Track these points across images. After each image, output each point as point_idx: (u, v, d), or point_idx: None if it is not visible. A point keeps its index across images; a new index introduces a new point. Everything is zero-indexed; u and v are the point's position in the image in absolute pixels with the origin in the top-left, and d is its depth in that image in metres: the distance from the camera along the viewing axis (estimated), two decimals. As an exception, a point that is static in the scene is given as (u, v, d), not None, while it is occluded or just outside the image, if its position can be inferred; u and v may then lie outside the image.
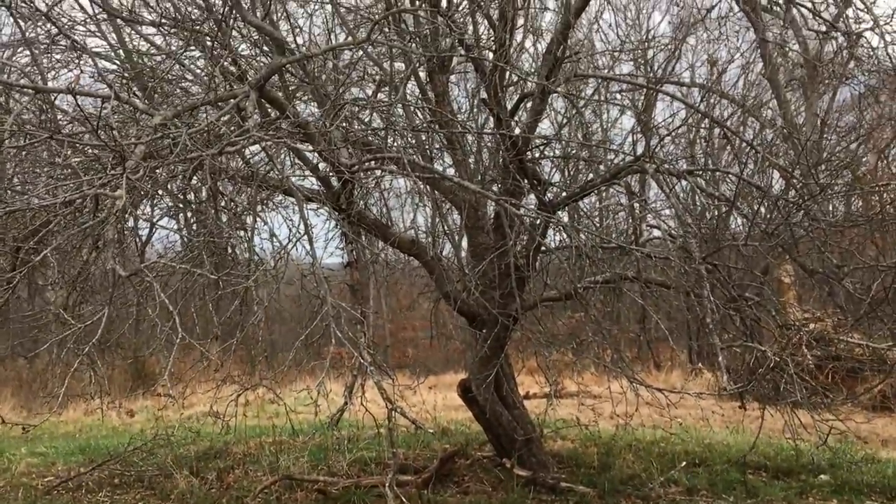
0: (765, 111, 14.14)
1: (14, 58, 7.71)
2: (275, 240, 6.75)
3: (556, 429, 9.86)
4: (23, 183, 6.60)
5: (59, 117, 6.53)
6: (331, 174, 6.51)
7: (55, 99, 5.98)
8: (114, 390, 14.23)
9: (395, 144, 7.36)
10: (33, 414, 13.65)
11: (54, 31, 6.29)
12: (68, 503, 7.59)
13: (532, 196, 7.61)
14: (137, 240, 10.30)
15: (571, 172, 9.72)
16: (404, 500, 6.13)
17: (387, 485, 6.06)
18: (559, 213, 7.71)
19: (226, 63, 6.27)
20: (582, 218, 8.97)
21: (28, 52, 6.72)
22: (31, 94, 5.60)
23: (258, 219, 7.11)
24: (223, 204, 7.01)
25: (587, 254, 6.55)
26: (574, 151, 8.28)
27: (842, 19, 7.85)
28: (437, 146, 7.93)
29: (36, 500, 7.75)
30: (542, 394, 11.64)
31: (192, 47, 6.87)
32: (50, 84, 6.64)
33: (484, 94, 7.24)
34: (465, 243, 8.30)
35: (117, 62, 7.13)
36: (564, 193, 7.76)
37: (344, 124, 6.31)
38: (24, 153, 6.21)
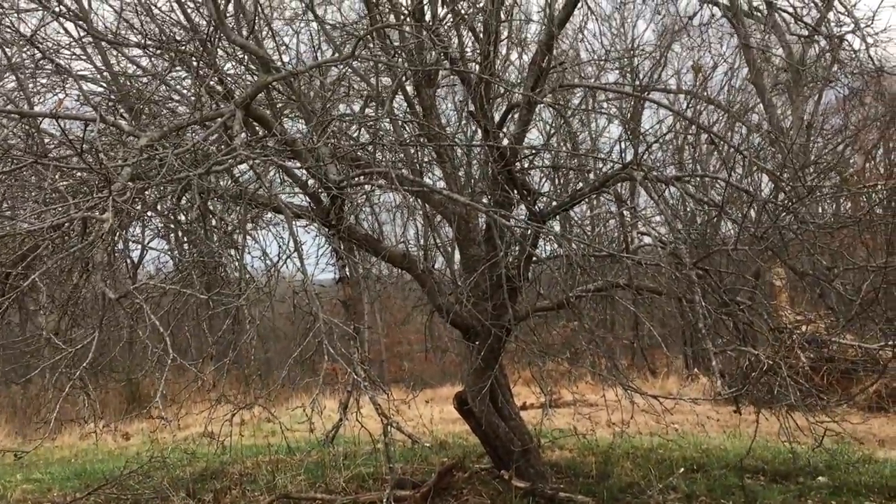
0: (752, 116, 14.22)
1: (0, 84, 7.69)
2: (266, 257, 6.75)
3: (553, 439, 9.84)
4: (11, 208, 6.58)
5: (46, 141, 6.52)
6: (320, 190, 6.51)
7: (40, 123, 5.97)
8: (109, 413, 14.20)
9: (384, 159, 7.37)
10: (28, 440, 13.56)
11: (39, 55, 6.30)
12: (64, 529, 7.53)
13: (522, 206, 7.62)
14: (129, 262, 10.29)
15: (561, 182, 9.73)
16: (402, 515, 6.10)
17: (385, 500, 6.04)
18: (550, 222, 7.72)
19: (212, 82, 6.28)
20: (573, 227, 8.98)
21: (13, 78, 6.72)
22: (16, 118, 5.60)
23: (248, 237, 7.10)
24: (213, 223, 7.01)
25: (578, 263, 6.55)
26: (563, 161, 8.30)
27: (824, 23, 7.91)
28: (427, 159, 7.95)
29: (32, 526, 7.69)
30: (539, 404, 11.63)
31: (178, 68, 6.88)
32: (37, 108, 6.64)
33: (472, 107, 7.26)
34: (457, 256, 8.30)
35: (103, 85, 7.12)
36: (554, 203, 7.77)
37: (332, 140, 6.32)
38: (13, 178, 6.20)
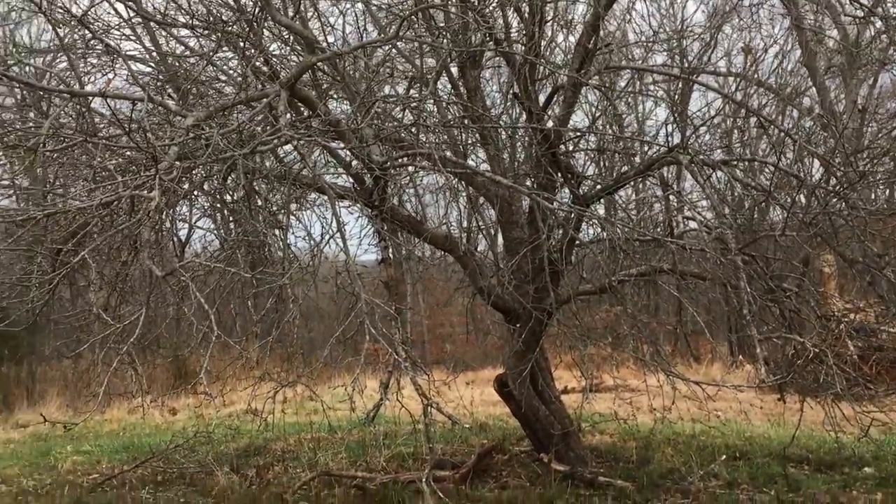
0: (803, 99, 13.88)
1: (53, 63, 7.85)
2: (309, 238, 6.82)
3: (593, 423, 9.81)
4: (63, 186, 6.74)
5: (96, 121, 6.65)
6: (363, 171, 6.53)
7: (91, 102, 6.09)
8: (156, 389, 14.49)
9: (428, 140, 7.37)
10: (78, 413, 13.91)
11: (89, 35, 6.40)
12: (112, 500, 7.74)
13: (566, 189, 7.58)
14: (176, 240, 10.46)
15: (606, 165, 9.64)
16: (441, 495, 6.12)
17: (424, 480, 6.07)
18: (594, 206, 7.65)
19: (258, 63, 6.33)
20: (617, 211, 8.91)
21: (65, 58, 6.85)
22: (67, 98, 5.71)
23: (292, 217, 7.18)
24: (258, 203, 7.09)
25: (622, 247, 6.50)
26: (608, 144, 8.22)
27: (880, 4, 7.68)
28: (470, 141, 7.93)
29: (81, 497, 7.91)
30: (580, 388, 11.59)
31: (225, 48, 6.95)
32: (87, 88, 6.77)
33: (517, 89, 7.21)
34: (499, 238, 8.29)
35: (152, 65, 7.23)
36: (598, 186, 7.71)
37: (375, 121, 6.33)
38: (64, 157, 6.33)
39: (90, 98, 5.89)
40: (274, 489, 7.77)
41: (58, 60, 7.64)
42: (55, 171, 7.39)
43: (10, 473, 9.40)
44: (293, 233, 7.18)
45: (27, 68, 7.10)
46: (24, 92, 6.64)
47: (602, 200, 8.14)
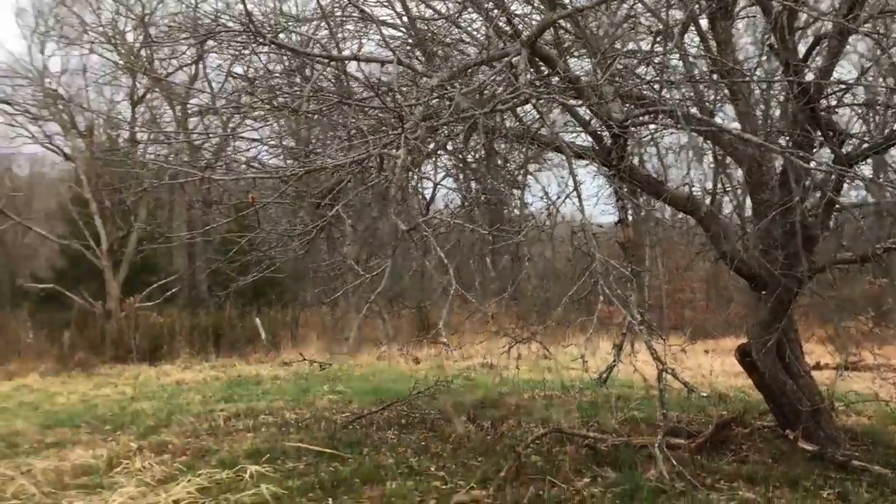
0: None
1: (315, 32, 8.43)
2: (546, 197, 6.85)
3: (848, 402, 9.07)
4: (322, 145, 7.28)
5: (352, 84, 7.08)
6: (602, 130, 6.42)
7: (346, 66, 6.48)
8: (401, 338, 15.42)
9: (671, 97, 7.07)
10: (333, 355, 15.15)
11: (346, 2, 6.80)
12: (361, 438, 8.36)
13: (825, 149, 6.98)
14: (421, 198, 10.97)
15: (878, 121, 8.73)
16: (675, 462, 5.99)
17: (657, 445, 5.96)
18: (858, 166, 6.98)
19: (500, 23, 6.39)
20: (888, 172, 8.07)
21: (325, 26, 7.32)
22: (325, 63, 6.12)
23: (530, 176, 7.24)
24: (498, 163, 7.23)
25: (890, 211, 5.90)
26: (880, 98, 7.43)
27: None
28: (719, 97, 7.51)
29: (335, 432, 8.64)
30: (835, 365, 10.74)
31: (469, 10, 7.08)
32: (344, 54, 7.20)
33: (773, 40, 6.71)
34: (748, 201, 7.83)
35: (402, 29, 7.54)
36: (865, 145, 7.01)
37: (616, 78, 6.17)
38: (322, 118, 6.82)
39: (346, 62, 6.28)
40: (507, 441, 7.99)
41: (319, 28, 8.19)
42: (316, 132, 7.98)
43: (276, 406, 10.52)
44: (530, 192, 7.25)
45: (293, 36, 7.66)
46: (290, 58, 7.20)
47: (869, 160, 7.41)
